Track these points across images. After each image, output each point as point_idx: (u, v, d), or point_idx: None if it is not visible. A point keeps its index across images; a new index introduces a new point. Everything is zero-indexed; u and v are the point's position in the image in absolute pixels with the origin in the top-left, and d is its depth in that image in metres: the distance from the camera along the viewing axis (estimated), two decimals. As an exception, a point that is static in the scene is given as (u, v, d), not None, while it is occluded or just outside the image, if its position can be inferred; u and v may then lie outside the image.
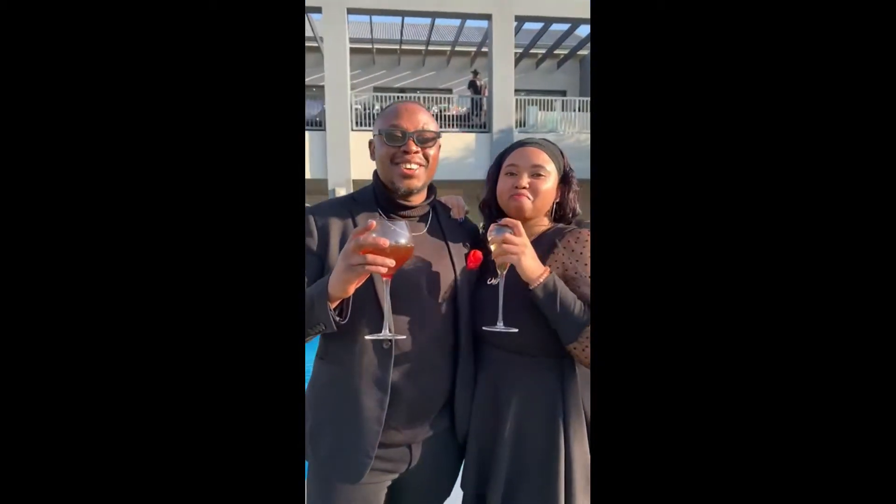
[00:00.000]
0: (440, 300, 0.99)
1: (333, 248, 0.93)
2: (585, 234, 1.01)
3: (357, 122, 9.47)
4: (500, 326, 0.94)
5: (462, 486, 1.04)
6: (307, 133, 9.10)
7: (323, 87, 9.21)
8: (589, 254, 0.97)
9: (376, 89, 12.22)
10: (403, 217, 1.00)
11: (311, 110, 9.90)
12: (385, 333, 0.87)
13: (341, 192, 8.95)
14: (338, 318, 0.85)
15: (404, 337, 0.91)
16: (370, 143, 1.03)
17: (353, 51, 11.72)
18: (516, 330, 0.94)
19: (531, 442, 0.96)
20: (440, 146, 1.04)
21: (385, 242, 0.78)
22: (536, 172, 1.02)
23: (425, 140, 0.98)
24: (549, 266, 0.98)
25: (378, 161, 1.00)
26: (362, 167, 9.07)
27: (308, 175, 9.04)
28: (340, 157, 8.93)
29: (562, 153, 1.10)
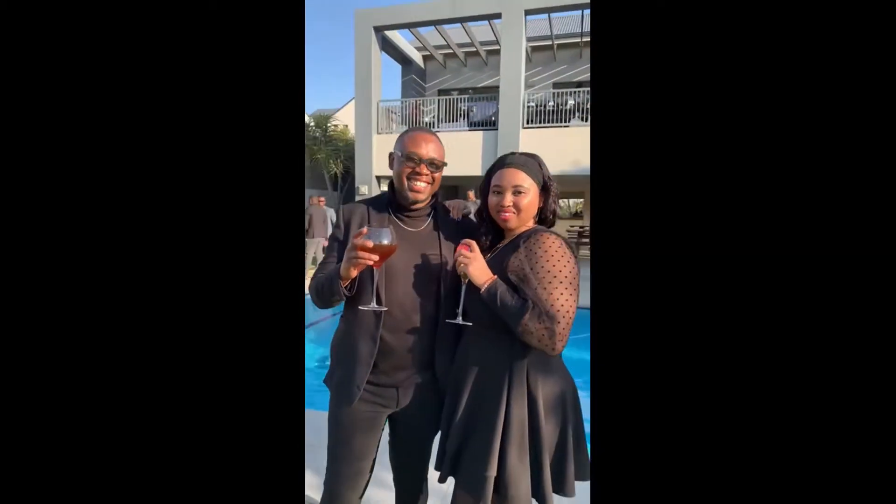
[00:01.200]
0: (427, 281, 1.27)
1: (352, 236, 1.31)
2: (544, 237, 1.17)
3: (528, 120, 9.74)
4: (458, 320, 1.21)
5: (440, 428, 1.32)
6: (481, 133, 9.78)
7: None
8: (543, 256, 1.14)
9: (555, 85, 12.25)
10: (408, 217, 1.32)
11: (487, 111, 10.55)
12: (373, 305, 1.22)
13: (508, 187, 9.38)
14: (347, 292, 1.22)
15: (385, 309, 1.24)
16: (390, 155, 1.36)
17: (533, 49, 11.99)
18: (470, 324, 1.20)
19: (483, 399, 1.19)
20: (444, 168, 1.33)
21: (370, 244, 1.11)
22: (517, 191, 1.21)
23: (435, 167, 1.29)
24: (511, 264, 1.18)
25: (395, 174, 1.33)
26: (530, 164, 9.32)
27: (479, 172, 9.72)
28: (509, 154, 9.35)
29: (541, 165, 1.26)
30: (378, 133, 10.46)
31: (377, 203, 1.36)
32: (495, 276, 1.17)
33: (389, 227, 1.17)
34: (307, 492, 2.00)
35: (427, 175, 1.27)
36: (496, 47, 11.38)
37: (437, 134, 1.37)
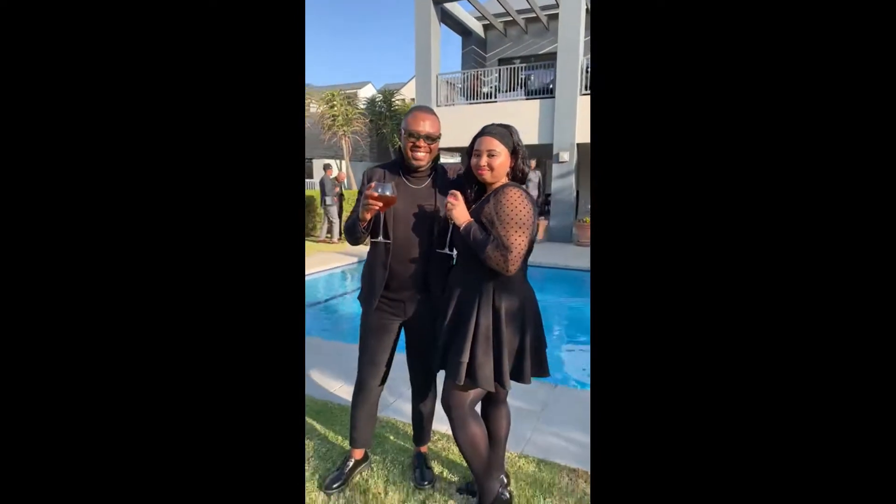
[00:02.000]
0: (424, 224, 1.70)
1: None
2: (509, 190, 1.52)
3: (587, 87, 9.59)
4: (446, 250, 1.64)
5: (436, 334, 1.75)
6: (537, 101, 9.80)
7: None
8: (505, 203, 1.50)
9: (620, 47, 11.79)
10: (413, 177, 1.73)
11: (544, 79, 10.50)
12: (381, 238, 1.67)
13: (565, 156, 9.39)
14: (364, 230, 1.68)
15: (390, 241, 1.69)
16: (400, 131, 1.78)
17: (597, 10, 11.57)
18: (454, 253, 1.60)
19: (462, 310, 1.60)
20: (440, 136, 1.72)
21: (376, 194, 1.55)
22: (491, 154, 1.57)
23: (430, 139, 1.68)
24: (484, 210, 1.55)
25: (403, 146, 1.74)
26: (588, 131, 9.26)
27: (535, 140, 9.81)
28: (566, 122, 9.30)
29: (511, 133, 1.61)
30: (437, 106, 10.80)
31: (392, 167, 1.80)
32: (472, 219, 1.56)
33: (391, 183, 1.60)
34: (340, 395, 2.53)
35: (425, 146, 1.68)
36: (557, 11, 11.15)
37: (497, 103, 1.75)
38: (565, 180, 9.49)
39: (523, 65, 11.31)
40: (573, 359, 4.13)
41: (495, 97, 10.81)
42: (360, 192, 1.82)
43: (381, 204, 1.58)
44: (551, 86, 9.93)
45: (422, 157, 1.69)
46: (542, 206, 11.21)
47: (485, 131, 1.62)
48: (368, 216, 1.63)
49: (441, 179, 1.77)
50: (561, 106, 9.34)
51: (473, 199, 1.69)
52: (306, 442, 2.22)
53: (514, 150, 1.61)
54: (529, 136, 9.86)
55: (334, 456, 2.10)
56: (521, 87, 10.80)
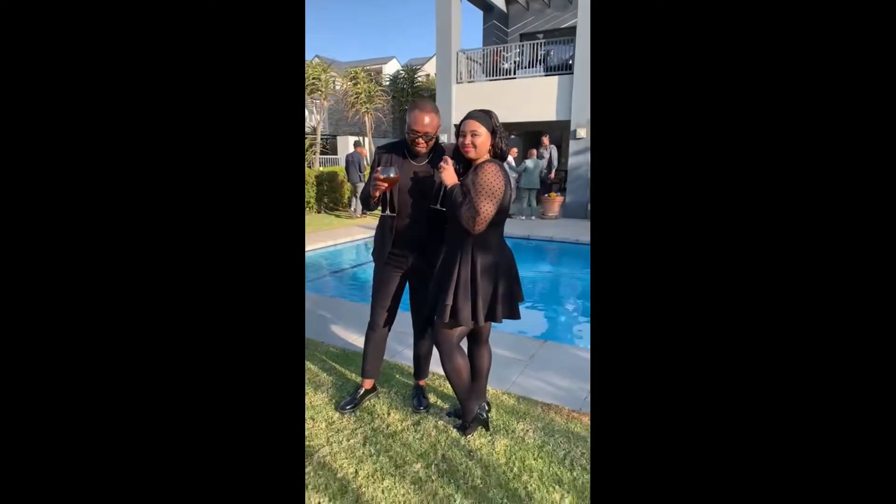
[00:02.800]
0: (422, 196, 2.06)
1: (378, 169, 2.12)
2: (486, 164, 1.85)
3: (607, 62, 9.56)
4: (437, 206, 1.99)
5: (430, 286, 2.13)
6: (556, 78, 9.86)
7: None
8: (481, 176, 1.82)
9: (644, 20, 11.58)
10: (416, 157, 2.08)
11: (564, 54, 10.50)
12: (387, 212, 2.05)
13: (582, 132, 9.49)
14: (374, 203, 2.05)
15: (395, 214, 2.06)
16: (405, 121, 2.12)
17: (621, -18, 11.36)
18: (444, 209, 1.95)
19: (447, 264, 1.96)
20: (439, 128, 2.06)
21: (382, 176, 1.93)
22: (474, 134, 1.90)
23: (428, 136, 2.03)
24: (467, 180, 1.89)
25: (406, 137, 2.09)
26: (606, 107, 9.27)
27: (553, 117, 9.91)
28: (584, 98, 9.35)
29: (490, 117, 1.93)
30: (458, 82, 10.95)
31: (397, 147, 2.15)
32: (458, 181, 1.91)
33: (394, 167, 1.96)
34: (356, 344, 2.93)
35: (423, 142, 2.04)
36: (580, -16, 11.02)
37: (516, 79, 2.15)
38: (582, 157, 9.61)
39: (545, 39, 11.27)
40: (587, 328, 4.45)
41: (514, 74, 10.88)
42: (371, 169, 2.19)
43: (386, 185, 1.96)
44: (571, 62, 9.95)
45: (421, 149, 2.06)
46: (561, 182, 11.36)
47: (468, 115, 1.94)
48: (377, 194, 2.01)
49: (438, 157, 2.11)
50: (579, 82, 9.38)
51: (462, 174, 2.03)
52: (326, 377, 2.65)
53: (493, 131, 1.94)
54: (547, 112, 9.96)
55: (348, 388, 2.53)
56: (541, 64, 10.82)
